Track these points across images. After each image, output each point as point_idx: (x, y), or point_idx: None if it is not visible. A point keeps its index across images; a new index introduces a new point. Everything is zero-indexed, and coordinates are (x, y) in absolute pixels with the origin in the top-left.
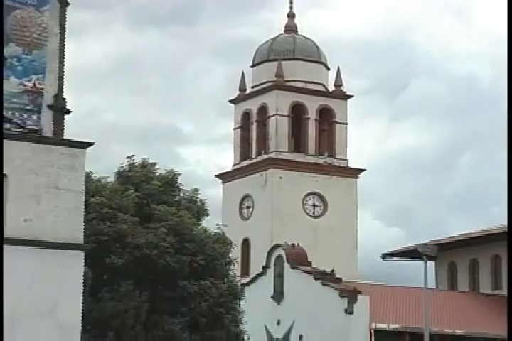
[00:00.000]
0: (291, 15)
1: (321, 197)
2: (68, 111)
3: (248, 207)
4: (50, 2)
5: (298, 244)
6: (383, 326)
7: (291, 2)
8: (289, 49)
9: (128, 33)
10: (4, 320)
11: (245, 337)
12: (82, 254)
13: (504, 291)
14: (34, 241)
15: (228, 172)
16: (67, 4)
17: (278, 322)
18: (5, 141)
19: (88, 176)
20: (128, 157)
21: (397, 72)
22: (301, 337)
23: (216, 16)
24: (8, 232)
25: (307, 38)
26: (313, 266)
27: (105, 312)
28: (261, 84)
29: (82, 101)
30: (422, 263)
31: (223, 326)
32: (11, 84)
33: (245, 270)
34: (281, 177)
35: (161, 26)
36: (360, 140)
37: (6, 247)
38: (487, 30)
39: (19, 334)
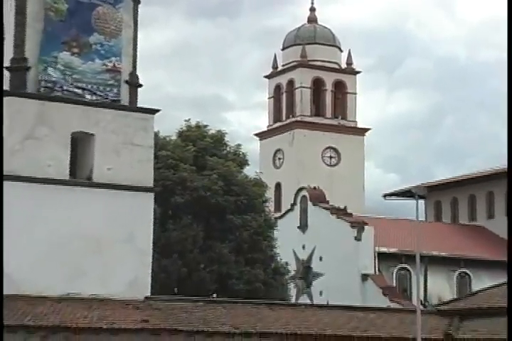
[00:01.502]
0: (312, 9)
1: (336, 151)
2: (140, 85)
3: (279, 159)
4: (124, 1)
5: (318, 187)
6: (384, 249)
7: None
8: (310, 35)
9: (184, 23)
10: (94, 246)
11: (278, 259)
12: (152, 195)
13: (478, 222)
14: (115, 185)
15: (264, 131)
16: (139, 2)
17: (303, 247)
18: (92, 108)
19: (156, 135)
20: (186, 120)
21: (394, 53)
22: (321, 258)
23: (253, 10)
24: (95, 178)
25: (325, 27)
26: (330, 203)
27: (170, 239)
28: (289, 63)
29: (150, 76)
30: (414, 201)
31: (261, 250)
32: (96, 65)
33: (277, 207)
34: (305, 136)
35: (210, 18)
36: (366, 106)
37: (94, 190)
38: (465, 18)
39: (107, 256)
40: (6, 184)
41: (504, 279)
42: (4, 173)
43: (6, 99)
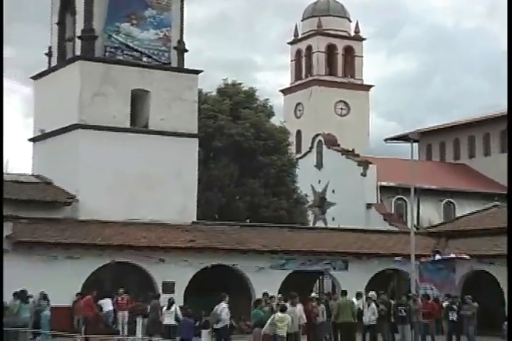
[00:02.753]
0: None
1: (346, 104)
2: (186, 50)
3: (300, 110)
4: None
5: (331, 133)
6: (385, 183)
7: None
8: (325, 9)
9: None
10: (151, 181)
11: (298, 191)
12: (196, 140)
13: (461, 161)
14: (167, 132)
15: (287, 88)
16: None
17: (319, 182)
18: (148, 69)
19: (199, 91)
20: (223, 79)
21: (393, 22)
22: (333, 190)
23: None
24: (151, 126)
25: (337, 2)
26: (341, 146)
27: (211, 176)
28: (307, 32)
29: (193, 43)
30: (409, 144)
31: (285, 184)
32: (150, 34)
33: (298, 149)
34: (320, 91)
35: None
36: (371, 67)
37: (150, 136)
38: None
39: (161, 189)
40: (80, 132)
41: (482, 207)
42: (78, 123)
43: (78, 63)
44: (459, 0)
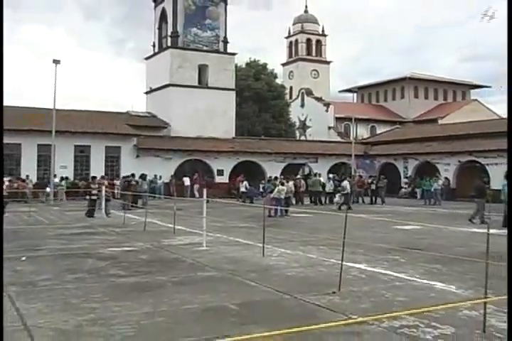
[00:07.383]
0: (306, 7)
1: (317, 71)
2: (228, 42)
3: (292, 76)
4: (220, 3)
5: (309, 88)
6: (338, 115)
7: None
8: (305, 18)
9: (240, 9)
10: (211, 115)
11: (291, 120)
12: (234, 92)
13: (380, 103)
14: (218, 88)
15: (284, 63)
16: (227, 3)
17: (302, 114)
18: (207, 53)
19: (236, 65)
20: (249, 58)
21: (344, 25)
22: (310, 119)
23: (282, 4)
24: (209, 84)
25: (312, 14)
26: (315, 95)
27: (243, 113)
28: (295, 31)
29: (231, 38)
30: (352, 94)
31: (283, 116)
32: (208, 34)
33: (291, 96)
34: (303, 64)
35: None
36: (331, 51)
37: (209, 90)
38: None
39: (214, 120)
40: (171, 88)
41: (389, 128)
42: (170, 83)
43: (169, 50)
44: (389, 5)
